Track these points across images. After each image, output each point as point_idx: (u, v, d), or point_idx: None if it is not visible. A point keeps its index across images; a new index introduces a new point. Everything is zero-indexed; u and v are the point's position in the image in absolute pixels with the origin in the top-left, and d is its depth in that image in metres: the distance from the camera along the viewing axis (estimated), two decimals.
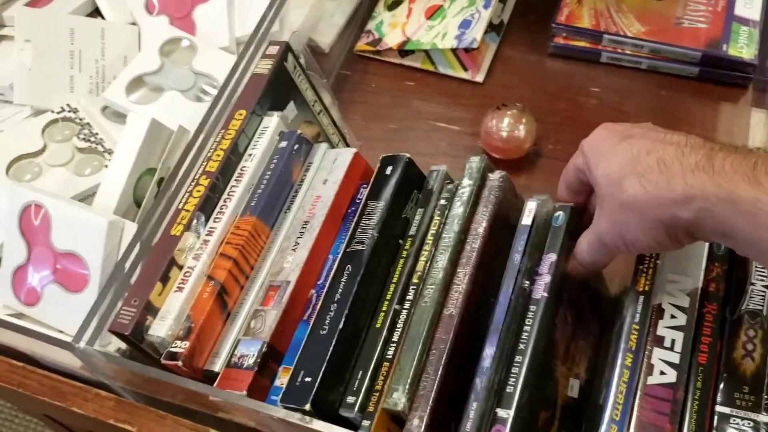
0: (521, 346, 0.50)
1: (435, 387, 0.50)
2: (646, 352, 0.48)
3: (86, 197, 0.68)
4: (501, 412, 0.48)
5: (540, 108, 0.80)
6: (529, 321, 0.51)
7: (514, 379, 0.49)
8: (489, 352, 0.51)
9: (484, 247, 0.55)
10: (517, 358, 0.50)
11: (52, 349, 0.57)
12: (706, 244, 0.53)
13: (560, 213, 0.56)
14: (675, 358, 0.48)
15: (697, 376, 0.48)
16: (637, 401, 0.47)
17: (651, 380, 0.47)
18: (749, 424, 0.47)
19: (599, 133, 0.51)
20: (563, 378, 0.54)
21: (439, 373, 0.51)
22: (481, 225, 0.56)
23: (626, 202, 0.46)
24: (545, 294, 0.52)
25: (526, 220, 0.56)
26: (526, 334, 0.51)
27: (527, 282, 0.53)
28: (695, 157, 0.44)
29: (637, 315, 0.50)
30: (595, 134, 0.52)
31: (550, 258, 0.54)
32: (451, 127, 0.83)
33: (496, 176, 0.59)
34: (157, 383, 0.56)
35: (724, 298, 0.51)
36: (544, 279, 0.53)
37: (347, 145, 0.75)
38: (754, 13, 0.81)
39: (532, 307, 0.52)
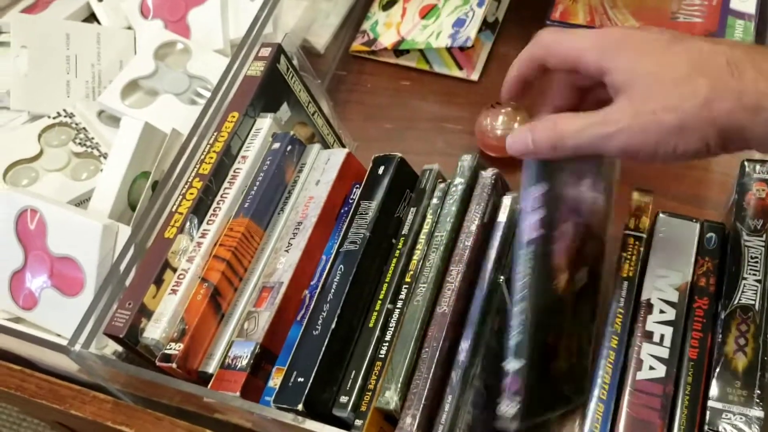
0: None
1: (428, 385, 0.51)
2: (636, 348, 0.48)
3: (83, 201, 0.68)
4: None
5: (535, 106, 0.80)
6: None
7: None
8: (464, 345, 0.51)
9: (475, 244, 0.55)
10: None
11: (50, 352, 0.58)
12: (695, 239, 0.53)
13: None
14: (664, 353, 0.48)
15: (688, 371, 0.48)
16: (626, 397, 0.47)
17: (640, 375, 0.47)
18: (741, 418, 0.47)
19: (623, 32, 0.46)
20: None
21: (432, 370, 0.51)
22: (473, 223, 0.57)
23: (688, 105, 0.42)
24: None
25: (502, 216, 0.56)
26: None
27: (502, 277, 0.53)
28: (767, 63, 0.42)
29: (622, 300, 0.50)
30: (620, 32, 0.46)
31: None
32: (447, 126, 0.83)
33: (488, 174, 0.59)
34: (154, 385, 0.56)
35: (715, 293, 0.51)
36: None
37: (342, 146, 0.76)
38: (750, 6, 0.81)
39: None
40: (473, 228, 0.56)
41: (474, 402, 0.50)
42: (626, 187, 0.62)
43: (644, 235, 0.53)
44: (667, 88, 0.43)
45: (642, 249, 0.53)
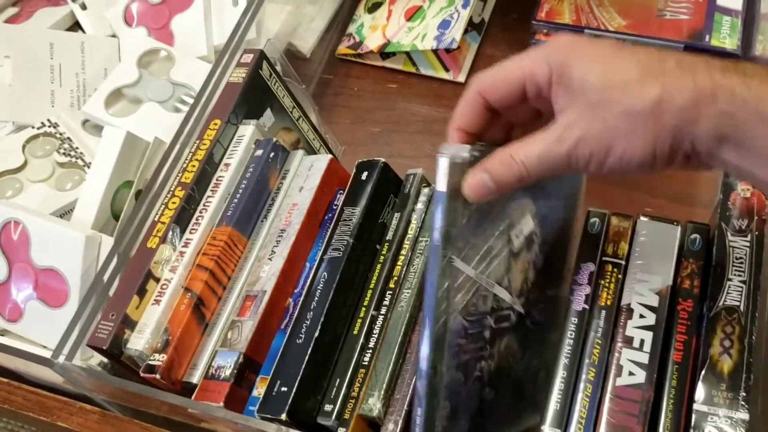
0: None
1: (410, 391, 0.50)
2: (615, 354, 0.48)
3: (68, 212, 0.68)
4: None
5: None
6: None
7: None
8: (425, 352, 0.45)
9: None
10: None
11: (34, 365, 0.58)
12: (677, 241, 0.52)
13: (596, 219, 0.54)
14: (644, 358, 0.47)
15: (672, 374, 0.48)
16: (606, 404, 0.46)
17: (620, 381, 0.47)
18: (727, 421, 0.46)
19: (569, 39, 0.44)
20: None
21: (415, 377, 0.50)
22: None
23: (638, 107, 0.40)
24: (586, 306, 0.50)
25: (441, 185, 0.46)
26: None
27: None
28: (720, 62, 0.41)
29: (600, 330, 0.49)
30: (563, 41, 0.44)
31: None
32: (434, 129, 0.82)
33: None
34: (139, 396, 0.56)
35: (700, 295, 0.51)
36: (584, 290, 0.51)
37: (329, 150, 0.75)
38: (736, 2, 0.80)
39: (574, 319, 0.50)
40: None
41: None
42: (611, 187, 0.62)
43: (623, 262, 0.52)
44: (618, 92, 0.41)
45: (621, 276, 0.51)
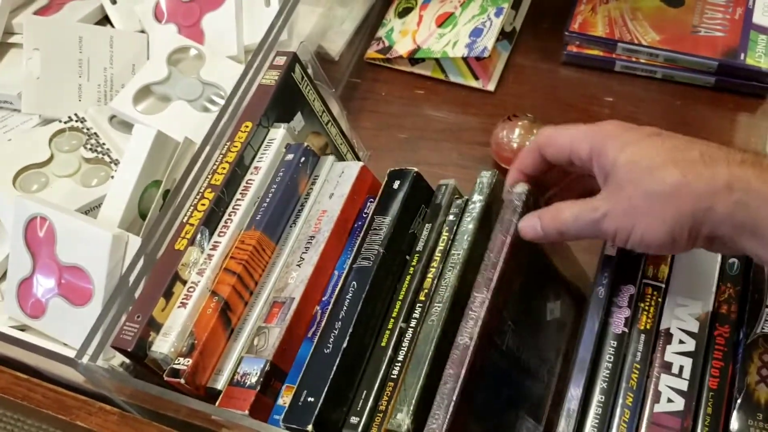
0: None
1: (447, 420, 0.48)
2: (653, 379, 0.47)
3: (93, 208, 0.68)
4: None
5: (552, 118, 0.79)
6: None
7: None
8: (575, 393, 0.48)
9: (504, 270, 0.53)
10: None
11: (57, 363, 0.57)
12: (717, 266, 0.52)
13: None
14: (683, 385, 0.46)
15: (707, 402, 0.47)
16: (643, 429, 0.45)
17: (658, 408, 0.46)
18: None
19: (614, 126, 0.49)
20: None
21: (450, 408, 0.49)
22: (502, 248, 0.54)
23: (658, 191, 0.44)
24: (625, 329, 0.51)
25: None
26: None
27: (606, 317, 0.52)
28: (741, 155, 0.44)
29: (639, 353, 0.49)
30: (609, 126, 0.49)
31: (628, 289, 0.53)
32: (461, 137, 0.82)
33: (520, 190, 0.55)
34: (161, 399, 0.55)
35: (737, 321, 0.50)
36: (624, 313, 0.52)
37: (355, 156, 0.75)
38: None
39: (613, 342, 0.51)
40: (502, 254, 0.53)
41: None
42: None
43: (663, 285, 0.51)
44: (642, 175, 0.45)
45: (660, 299, 0.51)
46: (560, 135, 0.51)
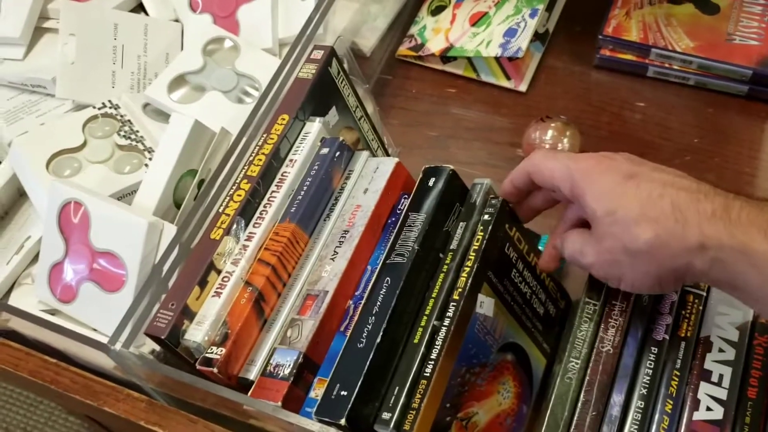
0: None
1: None
2: (692, 387, 0.47)
3: (125, 195, 0.68)
4: None
5: (583, 121, 0.79)
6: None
7: None
8: (617, 399, 0.48)
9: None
10: None
11: (86, 348, 0.57)
12: None
13: None
14: (722, 393, 0.46)
15: (746, 411, 0.47)
16: None
17: (697, 416, 0.46)
18: None
19: (593, 164, 0.50)
20: None
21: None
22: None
23: (635, 248, 0.46)
24: (666, 336, 0.51)
25: None
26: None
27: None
28: (711, 205, 0.45)
29: (678, 361, 0.48)
30: (588, 164, 0.50)
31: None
32: (491, 137, 0.82)
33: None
34: (189, 387, 0.56)
35: None
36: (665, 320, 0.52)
37: (386, 152, 0.75)
38: None
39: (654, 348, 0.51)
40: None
41: None
42: None
43: (704, 293, 0.51)
44: (620, 229, 0.47)
45: (701, 308, 0.51)
46: (544, 167, 0.53)
